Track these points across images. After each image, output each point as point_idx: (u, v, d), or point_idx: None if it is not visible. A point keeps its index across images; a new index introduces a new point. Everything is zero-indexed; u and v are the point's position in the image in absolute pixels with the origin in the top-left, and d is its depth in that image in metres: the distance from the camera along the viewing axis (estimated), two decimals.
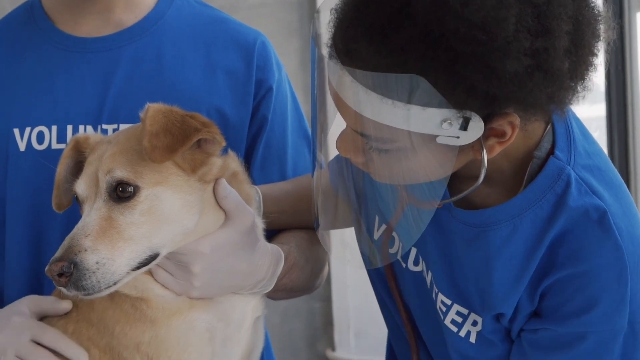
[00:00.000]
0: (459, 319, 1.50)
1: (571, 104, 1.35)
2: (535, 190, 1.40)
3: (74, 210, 1.60)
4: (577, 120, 1.48)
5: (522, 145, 1.40)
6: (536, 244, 1.40)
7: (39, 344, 1.52)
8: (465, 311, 1.49)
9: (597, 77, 1.36)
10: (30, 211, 1.77)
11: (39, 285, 1.79)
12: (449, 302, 1.51)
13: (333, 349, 3.31)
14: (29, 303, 1.57)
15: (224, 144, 1.49)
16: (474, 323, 1.49)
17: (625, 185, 1.47)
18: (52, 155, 1.71)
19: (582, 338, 1.40)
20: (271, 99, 1.84)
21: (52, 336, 1.52)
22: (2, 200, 1.79)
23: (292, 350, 3.26)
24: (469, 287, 1.47)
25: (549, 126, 1.43)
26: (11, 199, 1.78)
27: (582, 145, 1.43)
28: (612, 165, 1.48)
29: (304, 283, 1.75)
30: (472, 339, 1.50)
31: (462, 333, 1.50)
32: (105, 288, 1.40)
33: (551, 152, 1.41)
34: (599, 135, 2.95)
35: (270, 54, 1.85)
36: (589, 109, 3.04)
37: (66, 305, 1.54)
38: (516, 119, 1.30)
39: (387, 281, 1.67)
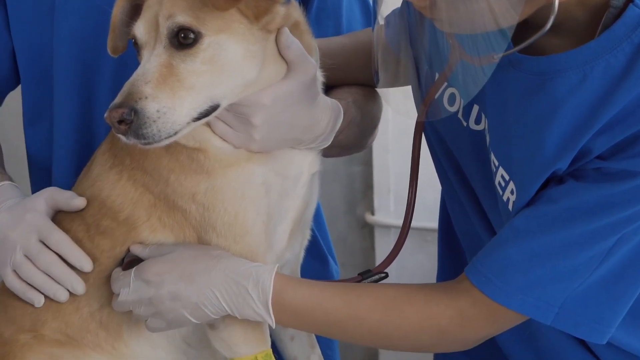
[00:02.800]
0: (503, 183, 1.47)
1: None
2: (610, 38, 1.33)
3: (123, 57, 1.56)
4: None
5: None
6: (608, 96, 1.33)
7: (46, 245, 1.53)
8: (507, 177, 1.46)
9: None
10: (78, 58, 1.75)
11: (89, 135, 1.78)
12: (497, 163, 1.48)
13: (372, 213, 3.29)
14: (47, 197, 1.56)
15: None
16: (512, 192, 1.45)
17: None
18: None
19: (632, 176, 1.34)
20: None
21: (58, 239, 1.52)
22: (49, 47, 1.76)
23: (330, 214, 3.26)
24: (517, 149, 1.43)
25: None
26: (59, 45, 1.75)
27: None
28: None
29: (357, 140, 1.74)
30: (510, 207, 1.46)
31: (505, 197, 1.48)
32: (166, 138, 1.36)
33: (630, 0, 1.34)
34: None
35: None
36: None
37: (80, 202, 1.54)
38: None
39: (443, 140, 1.63)
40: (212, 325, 1.51)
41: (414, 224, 3.30)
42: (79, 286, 1.52)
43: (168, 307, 1.44)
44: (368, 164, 3.27)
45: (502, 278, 1.40)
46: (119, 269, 1.51)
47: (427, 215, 3.17)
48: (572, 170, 1.40)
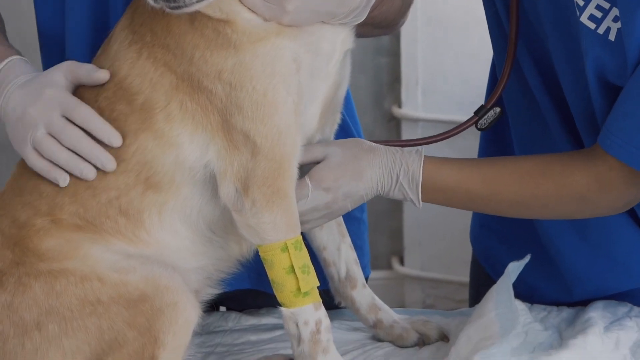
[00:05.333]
0: (599, 14, 1.42)
1: None
2: None
3: None
4: None
5: None
6: None
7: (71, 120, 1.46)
8: (606, 5, 1.41)
9: None
10: None
11: (105, 5, 1.68)
12: None
13: (399, 106, 3.23)
14: (65, 71, 1.49)
15: None
16: (615, 19, 1.40)
17: None
18: None
19: None
20: None
21: (84, 114, 1.45)
22: None
23: (356, 107, 3.20)
24: None
25: None
26: None
27: None
28: None
29: (391, 18, 1.66)
30: (612, 36, 1.41)
31: (601, 30, 1.42)
32: (197, 2, 1.29)
33: None
34: None
35: None
36: None
37: (104, 75, 1.46)
38: None
39: None
40: (239, 211, 1.45)
41: (440, 117, 3.25)
42: (109, 163, 1.44)
43: (339, 206, 1.52)
44: (395, 55, 3.20)
45: (637, 145, 1.40)
46: None
47: (454, 108, 3.12)
48: None
